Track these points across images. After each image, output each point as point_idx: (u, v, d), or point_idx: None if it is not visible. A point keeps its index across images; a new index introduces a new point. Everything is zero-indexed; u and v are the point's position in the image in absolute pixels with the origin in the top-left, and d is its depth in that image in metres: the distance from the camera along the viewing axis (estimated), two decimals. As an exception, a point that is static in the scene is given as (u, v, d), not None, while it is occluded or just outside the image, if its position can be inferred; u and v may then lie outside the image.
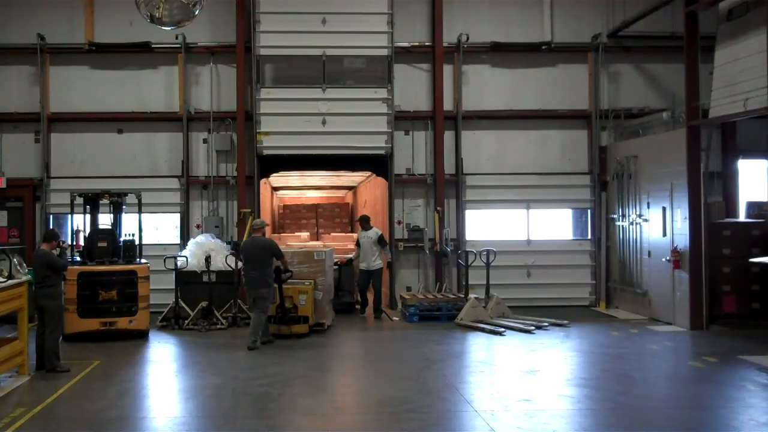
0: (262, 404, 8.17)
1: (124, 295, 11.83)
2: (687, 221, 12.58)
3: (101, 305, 11.73)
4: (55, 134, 15.13)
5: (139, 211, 12.79)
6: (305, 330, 11.99)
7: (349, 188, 22.10)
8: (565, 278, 15.29)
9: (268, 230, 15.44)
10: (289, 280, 11.87)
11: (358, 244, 14.30)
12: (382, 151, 14.77)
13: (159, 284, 13.30)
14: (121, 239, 12.43)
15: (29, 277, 9.94)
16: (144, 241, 12.87)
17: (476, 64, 15.53)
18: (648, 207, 13.93)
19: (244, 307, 12.99)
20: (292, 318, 11.91)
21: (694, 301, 12.52)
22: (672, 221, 13.12)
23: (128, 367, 10.09)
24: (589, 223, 15.62)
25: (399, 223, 15.30)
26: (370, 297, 14.19)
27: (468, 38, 15.24)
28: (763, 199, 14.89)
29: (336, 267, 14.13)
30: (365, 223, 14.36)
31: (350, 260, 14.47)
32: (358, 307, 14.39)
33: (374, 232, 14.12)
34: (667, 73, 15.38)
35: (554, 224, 15.74)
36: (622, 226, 14.77)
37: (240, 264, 12.29)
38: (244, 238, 13.16)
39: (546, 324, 12.91)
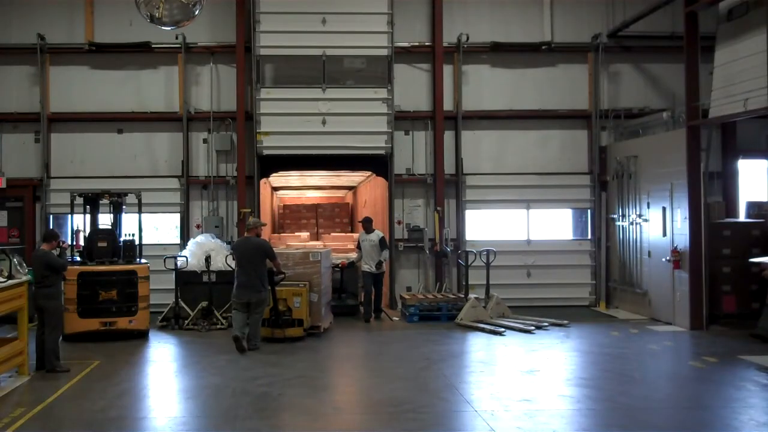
0: (262, 404, 8.17)
1: (124, 295, 11.84)
2: (687, 221, 12.58)
3: (101, 305, 11.74)
4: (55, 134, 15.14)
5: (139, 211, 12.79)
6: (300, 333, 11.70)
7: (349, 188, 22.07)
8: (565, 278, 15.30)
9: (267, 230, 15.43)
10: (282, 282, 11.61)
11: (359, 246, 14.05)
12: (382, 151, 14.76)
13: (159, 284, 13.31)
14: (121, 239, 12.43)
15: (29, 277, 9.93)
16: (144, 241, 12.88)
17: (476, 64, 15.54)
18: (648, 207, 13.93)
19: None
20: (285, 321, 11.61)
21: (694, 301, 12.52)
22: (672, 221, 13.12)
23: (128, 367, 10.09)
24: (589, 223, 15.62)
25: (399, 223, 15.29)
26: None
27: (468, 38, 15.25)
28: (763, 199, 14.89)
29: (337, 269, 13.97)
30: (368, 225, 14.03)
31: (352, 263, 14.30)
32: (362, 309, 13.99)
33: (376, 235, 13.84)
34: (667, 73, 15.39)
35: (554, 224, 15.74)
36: (622, 226, 14.77)
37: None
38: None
39: (546, 324, 12.91)
